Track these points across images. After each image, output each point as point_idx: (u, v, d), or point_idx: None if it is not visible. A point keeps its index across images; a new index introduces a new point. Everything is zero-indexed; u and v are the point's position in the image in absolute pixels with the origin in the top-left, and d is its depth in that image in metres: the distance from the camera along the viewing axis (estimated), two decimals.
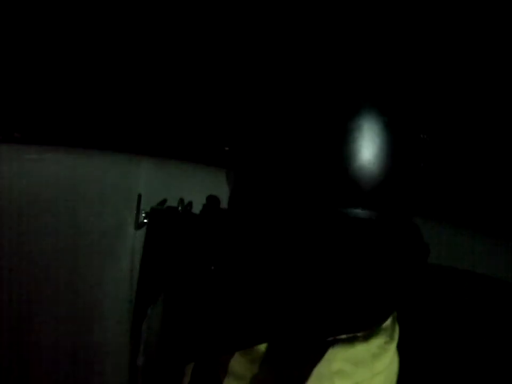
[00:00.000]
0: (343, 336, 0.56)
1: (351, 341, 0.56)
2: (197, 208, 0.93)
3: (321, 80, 0.53)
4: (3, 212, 1.18)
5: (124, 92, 1.29)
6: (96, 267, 1.22)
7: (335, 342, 0.55)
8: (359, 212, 0.51)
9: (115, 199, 1.24)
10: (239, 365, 0.60)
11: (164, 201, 1.02)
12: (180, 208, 0.96)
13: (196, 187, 1.05)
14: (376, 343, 0.58)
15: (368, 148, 0.51)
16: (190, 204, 0.95)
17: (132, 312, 1.09)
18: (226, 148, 0.60)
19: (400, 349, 0.61)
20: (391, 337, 0.60)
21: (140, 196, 1.05)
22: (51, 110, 1.29)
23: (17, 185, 1.20)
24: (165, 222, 0.97)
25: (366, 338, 0.57)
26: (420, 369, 0.69)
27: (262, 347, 0.59)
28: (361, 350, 0.56)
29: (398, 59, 0.59)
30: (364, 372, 0.56)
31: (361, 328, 0.58)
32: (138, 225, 1.01)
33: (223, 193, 0.67)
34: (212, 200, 0.84)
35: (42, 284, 1.20)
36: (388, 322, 0.60)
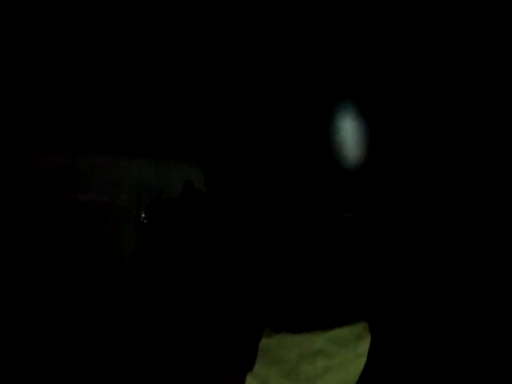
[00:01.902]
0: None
1: (335, 322, 0.57)
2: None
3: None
4: None
5: (124, 93, 1.29)
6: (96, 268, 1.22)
7: (319, 323, 0.56)
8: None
9: (115, 200, 1.25)
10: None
11: (161, 192, 1.03)
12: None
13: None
14: (360, 324, 0.58)
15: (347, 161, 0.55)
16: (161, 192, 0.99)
17: (133, 311, 1.09)
18: (207, 104, 0.61)
19: None
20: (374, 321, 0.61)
21: (140, 196, 1.05)
22: (50, 111, 1.29)
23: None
24: (162, 214, 0.98)
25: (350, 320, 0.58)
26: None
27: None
28: (344, 331, 0.56)
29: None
30: (347, 352, 0.56)
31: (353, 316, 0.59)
32: (139, 225, 1.01)
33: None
34: (188, 184, 0.89)
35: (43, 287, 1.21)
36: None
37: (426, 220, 0.94)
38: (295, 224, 0.56)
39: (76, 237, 1.23)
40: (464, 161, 1.00)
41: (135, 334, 1.07)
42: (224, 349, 0.63)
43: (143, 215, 1.00)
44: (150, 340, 1.04)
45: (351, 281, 0.57)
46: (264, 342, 0.57)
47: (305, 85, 0.57)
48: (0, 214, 1.20)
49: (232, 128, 0.61)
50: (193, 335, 0.71)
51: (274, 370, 0.56)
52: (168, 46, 1.26)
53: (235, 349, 0.62)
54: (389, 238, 0.61)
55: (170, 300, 0.88)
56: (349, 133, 0.56)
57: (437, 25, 0.97)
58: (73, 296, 1.20)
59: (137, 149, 1.28)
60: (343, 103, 0.57)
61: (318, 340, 0.56)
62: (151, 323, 1.02)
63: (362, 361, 0.58)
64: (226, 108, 0.62)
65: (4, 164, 1.23)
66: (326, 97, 0.56)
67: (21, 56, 1.27)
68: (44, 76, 1.28)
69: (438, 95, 0.97)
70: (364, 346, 0.59)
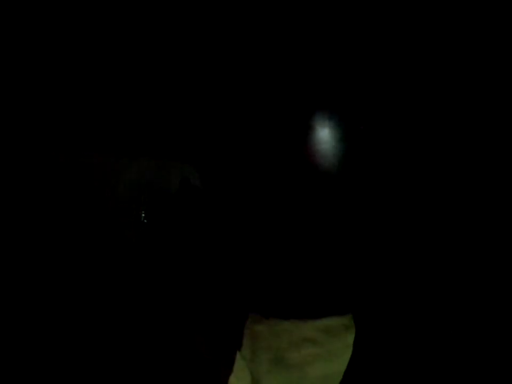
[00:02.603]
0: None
1: (325, 312, 0.58)
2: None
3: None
4: None
5: (124, 93, 1.29)
6: (95, 270, 1.22)
7: (310, 313, 0.57)
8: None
9: (115, 201, 1.25)
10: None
11: (160, 191, 1.03)
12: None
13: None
14: (348, 316, 0.59)
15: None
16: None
17: (133, 309, 1.09)
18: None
19: None
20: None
21: (140, 196, 1.05)
22: (51, 110, 1.29)
23: None
24: (161, 213, 0.99)
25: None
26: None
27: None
28: (334, 321, 0.57)
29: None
30: (335, 342, 0.57)
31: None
32: (139, 225, 1.02)
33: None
34: (185, 181, 0.91)
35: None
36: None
37: (413, 216, 0.94)
38: (285, 217, 0.57)
39: (76, 236, 1.23)
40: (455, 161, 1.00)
41: (135, 332, 1.07)
42: (219, 342, 0.65)
43: (143, 214, 1.01)
44: (150, 338, 1.04)
45: (341, 275, 0.59)
46: (256, 328, 0.58)
47: (295, 87, 0.59)
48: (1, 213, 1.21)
49: (224, 131, 0.65)
50: (191, 330, 0.72)
51: (263, 356, 0.57)
52: (169, 48, 1.26)
53: (227, 338, 0.64)
54: (378, 232, 0.62)
55: (170, 296, 0.89)
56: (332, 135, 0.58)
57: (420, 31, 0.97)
58: (74, 295, 1.21)
59: (137, 149, 1.28)
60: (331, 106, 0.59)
61: (307, 328, 0.57)
62: (151, 320, 1.02)
63: (350, 352, 0.60)
64: (221, 111, 0.65)
65: (4, 163, 1.23)
66: (315, 102, 0.59)
67: (21, 57, 1.27)
68: (45, 76, 1.28)
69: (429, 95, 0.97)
70: (352, 337, 0.60)
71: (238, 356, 0.60)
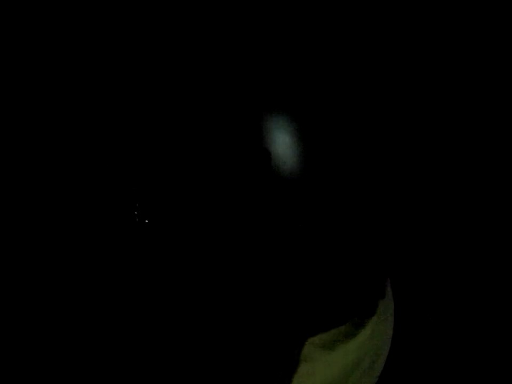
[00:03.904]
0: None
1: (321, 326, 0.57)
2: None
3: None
4: None
5: (126, 93, 1.30)
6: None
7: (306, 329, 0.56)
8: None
9: (115, 201, 1.25)
10: None
11: (161, 191, 1.03)
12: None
13: None
14: (348, 322, 0.57)
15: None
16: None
17: (133, 310, 1.09)
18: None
19: None
20: (369, 312, 0.60)
21: (140, 196, 1.05)
22: (51, 109, 1.30)
23: None
24: (162, 213, 0.99)
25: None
26: None
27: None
28: (331, 333, 0.56)
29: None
30: (334, 354, 0.55)
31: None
32: (139, 225, 1.02)
33: None
34: (184, 180, 0.92)
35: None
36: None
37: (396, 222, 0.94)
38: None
39: (76, 236, 1.23)
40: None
41: (135, 332, 1.07)
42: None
43: (142, 214, 1.01)
44: (149, 338, 1.04)
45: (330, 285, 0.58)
46: None
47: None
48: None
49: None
50: (192, 331, 0.72)
51: None
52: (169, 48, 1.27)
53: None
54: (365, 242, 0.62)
55: (171, 298, 0.89)
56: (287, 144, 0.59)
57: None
58: (73, 294, 1.21)
59: (137, 149, 1.28)
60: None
61: (304, 345, 0.56)
62: (151, 320, 1.02)
63: (352, 359, 0.58)
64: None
65: (4, 164, 1.23)
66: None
67: (26, 58, 1.27)
68: (47, 77, 1.28)
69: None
70: (354, 342, 0.58)
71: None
